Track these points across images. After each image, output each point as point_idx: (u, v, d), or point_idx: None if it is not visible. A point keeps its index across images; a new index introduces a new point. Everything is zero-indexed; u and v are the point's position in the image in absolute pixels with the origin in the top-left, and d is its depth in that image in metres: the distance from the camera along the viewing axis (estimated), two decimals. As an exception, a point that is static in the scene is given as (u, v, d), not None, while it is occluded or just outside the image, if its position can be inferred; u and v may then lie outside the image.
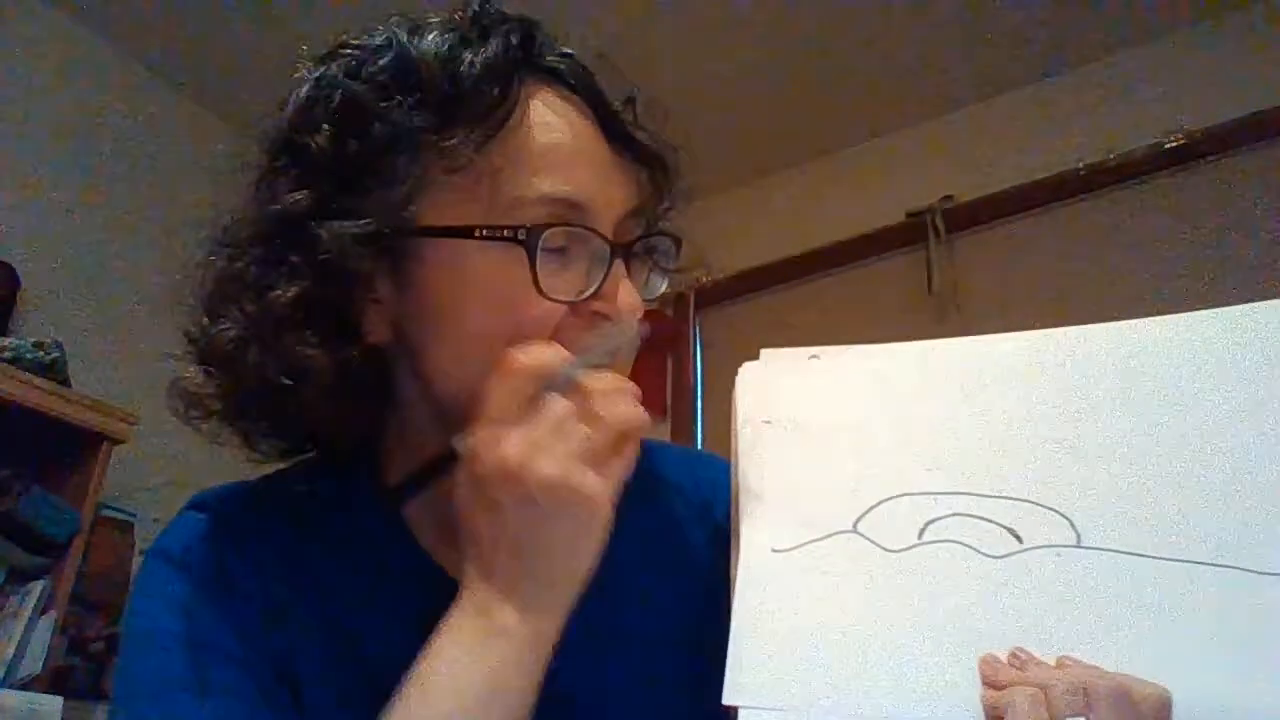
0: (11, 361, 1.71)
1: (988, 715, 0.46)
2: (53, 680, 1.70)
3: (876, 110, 2.40)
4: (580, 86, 0.57)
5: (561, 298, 0.53)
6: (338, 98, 0.54)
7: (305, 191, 0.53)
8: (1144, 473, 0.51)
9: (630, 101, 0.60)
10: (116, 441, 1.85)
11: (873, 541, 0.54)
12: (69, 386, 1.81)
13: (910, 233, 2.32)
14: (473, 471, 0.49)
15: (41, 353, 1.77)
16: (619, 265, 0.55)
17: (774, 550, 0.56)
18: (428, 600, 0.57)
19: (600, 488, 0.48)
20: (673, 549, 0.64)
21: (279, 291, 0.53)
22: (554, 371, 0.50)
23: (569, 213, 0.54)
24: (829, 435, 0.58)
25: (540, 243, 0.52)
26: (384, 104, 0.53)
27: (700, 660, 0.54)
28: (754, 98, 2.37)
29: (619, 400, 0.50)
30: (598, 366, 0.53)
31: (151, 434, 1.93)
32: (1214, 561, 0.48)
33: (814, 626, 0.53)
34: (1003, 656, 0.47)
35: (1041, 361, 0.57)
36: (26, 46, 2.12)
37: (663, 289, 0.62)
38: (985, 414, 0.56)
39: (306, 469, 0.64)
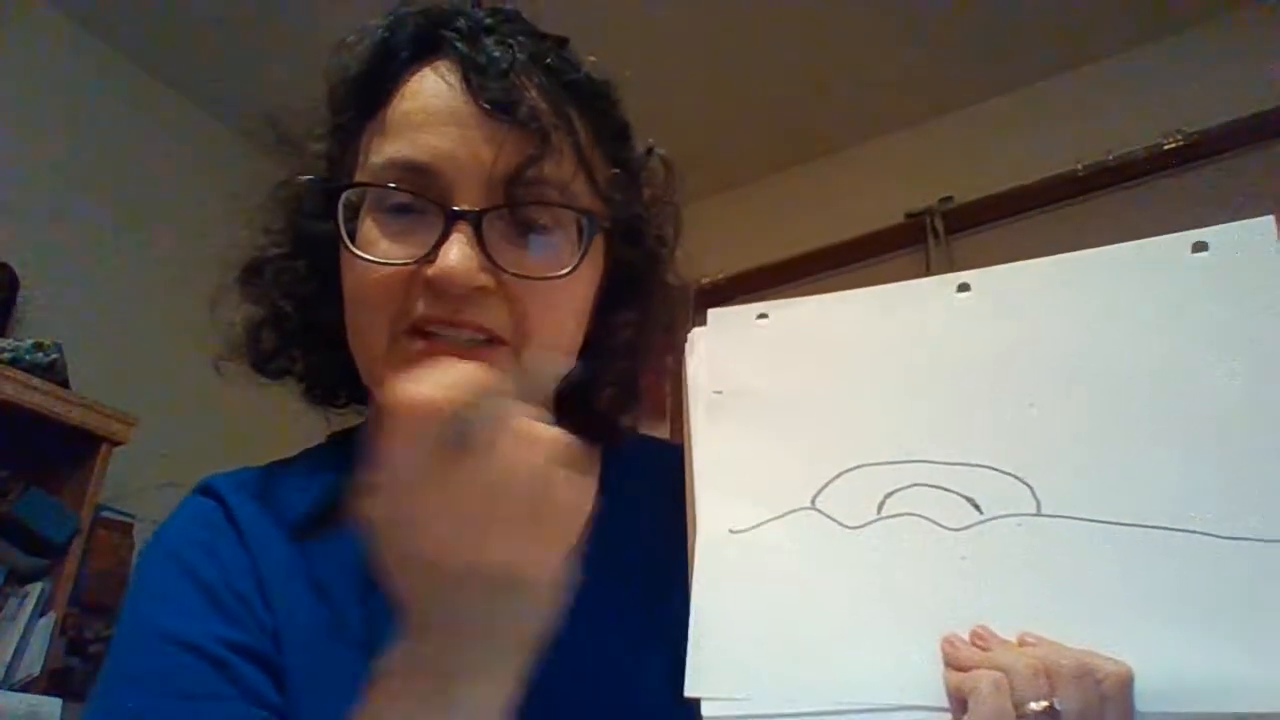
0: (11, 363, 1.72)
1: (951, 698, 0.45)
2: (52, 682, 1.71)
3: (875, 111, 2.40)
4: (460, 52, 0.55)
5: (370, 255, 0.53)
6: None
7: (307, 176, 0.61)
8: (1105, 432, 0.49)
9: (526, 61, 0.55)
10: (115, 443, 1.85)
11: (831, 518, 0.52)
12: (68, 387, 1.82)
13: (909, 233, 2.32)
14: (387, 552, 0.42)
15: (41, 354, 1.77)
16: (459, 229, 0.52)
17: (731, 531, 0.54)
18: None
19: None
20: (655, 548, 0.61)
21: (268, 249, 0.62)
22: (454, 412, 0.40)
23: (406, 175, 0.53)
24: (782, 404, 0.56)
25: (366, 204, 0.54)
26: (330, 101, 0.60)
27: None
28: (753, 99, 2.38)
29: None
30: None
31: (150, 435, 1.93)
32: (1176, 526, 0.46)
33: (775, 611, 0.51)
34: (966, 635, 0.47)
35: (1000, 305, 0.53)
36: (27, 48, 2.13)
37: (569, 266, 0.54)
38: (942, 370, 0.53)
39: (313, 454, 0.66)
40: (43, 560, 1.73)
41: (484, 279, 0.52)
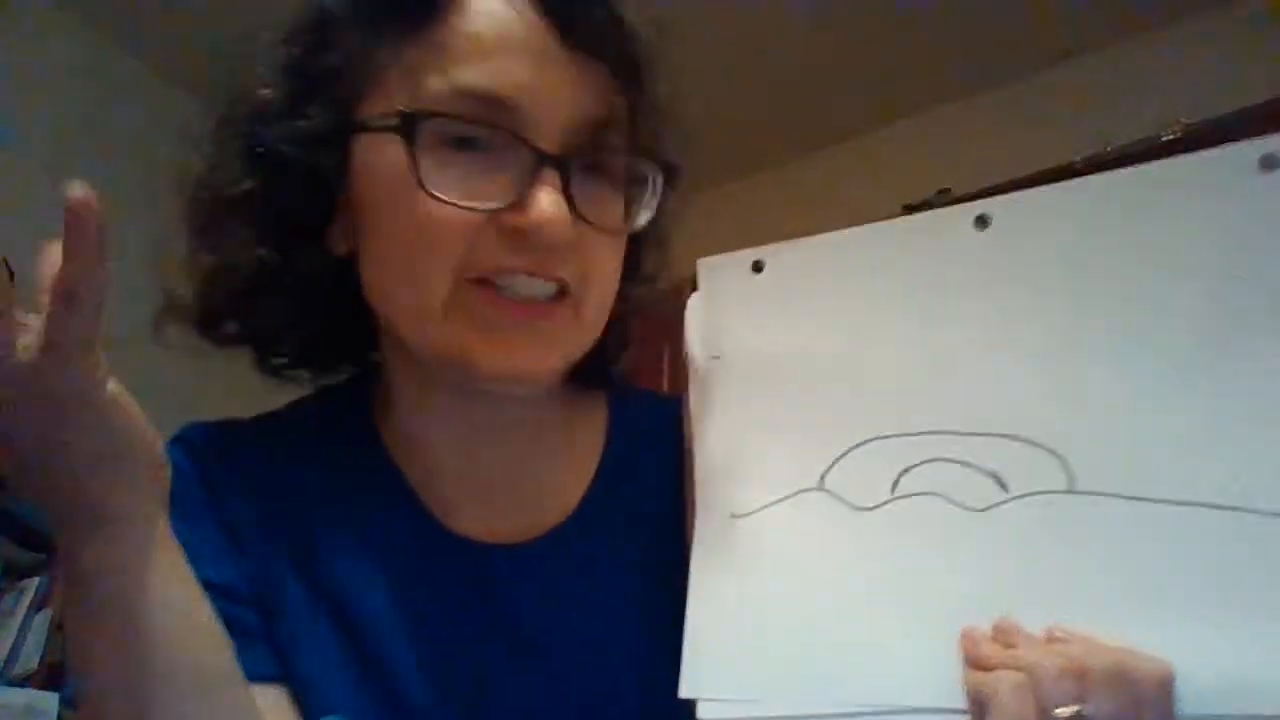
0: (6, 358, 1.71)
1: (970, 700, 0.41)
2: (49, 676, 1.70)
3: (872, 103, 2.39)
4: None
5: (448, 196, 0.47)
6: (313, 9, 0.53)
7: (269, 90, 0.53)
8: (1147, 396, 0.43)
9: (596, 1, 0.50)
10: (113, 438, 1.84)
11: (842, 499, 0.48)
12: (64, 383, 1.81)
13: (907, 226, 2.32)
14: None
15: (37, 349, 1.77)
16: (547, 175, 0.47)
17: (734, 516, 0.50)
18: (408, 534, 0.56)
19: None
20: (667, 508, 0.59)
21: (229, 185, 0.53)
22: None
23: (486, 109, 0.47)
24: (784, 368, 0.51)
25: (425, 135, 0.47)
26: (339, 13, 0.52)
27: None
28: (749, 92, 2.37)
29: None
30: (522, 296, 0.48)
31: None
32: (1227, 504, 0.40)
33: (779, 605, 0.47)
34: (989, 629, 0.43)
35: (1025, 243, 0.46)
36: (27, 46, 2.12)
37: (643, 221, 0.53)
38: (959, 326, 0.47)
39: (301, 405, 0.63)
40: (39, 555, 1.72)
41: (573, 231, 0.48)
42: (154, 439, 0.44)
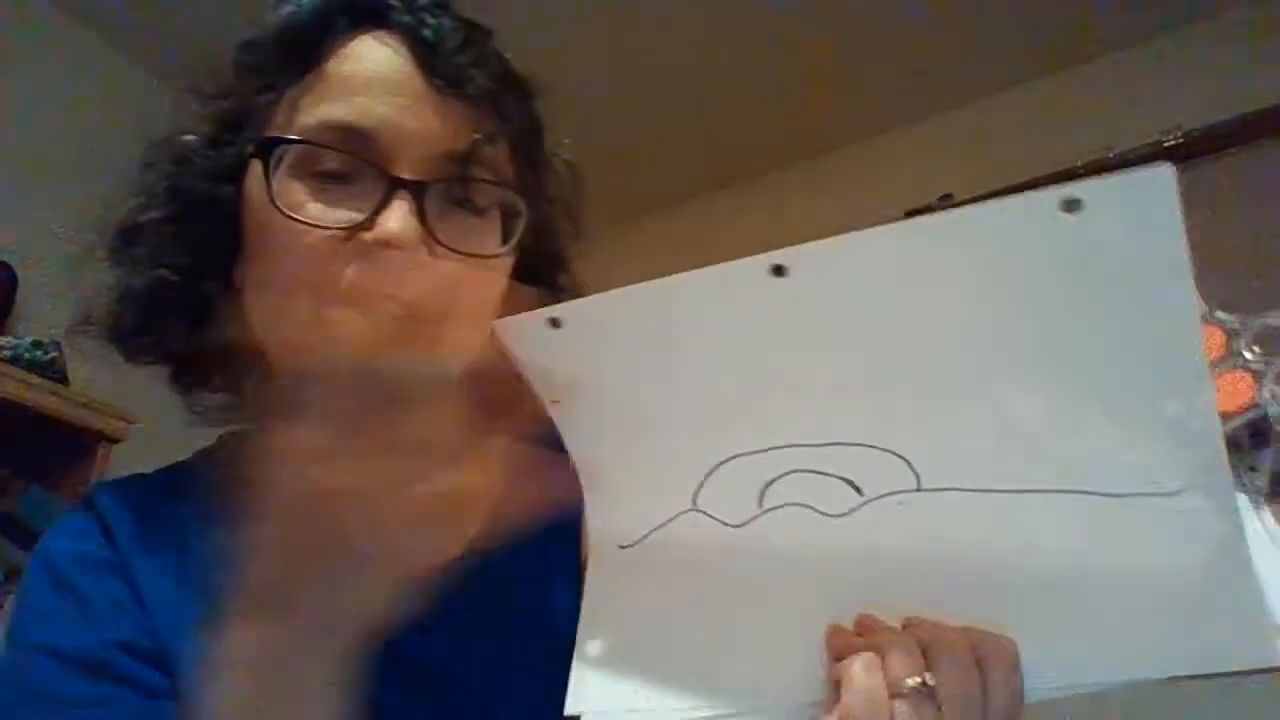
0: (10, 360, 1.72)
1: (830, 685, 0.43)
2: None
3: (874, 108, 2.39)
4: (404, 25, 0.54)
5: (299, 215, 0.50)
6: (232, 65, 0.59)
7: (190, 136, 0.59)
8: (978, 394, 0.44)
9: (468, 43, 0.55)
10: (114, 441, 1.85)
11: (714, 518, 0.50)
12: (67, 385, 1.81)
13: (909, 232, 2.32)
14: None
15: (40, 352, 1.77)
16: (400, 196, 0.50)
17: (621, 547, 0.52)
18: None
19: None
20: (567, 545, 0.60)
21: (141, 212, 0.59)
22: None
23: (345, 139, 0.51)
24: (623, 407, 0.52)
25: (291, 164, 0.51)
26: (248, 64, 0.58)
27: None
28: (750, 96, 2.37)
29: None
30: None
31: (149, 434, 1.93)
32: (1060, 488, 0.43)
33: (663, 626, 0.49)
34: (852, 623, 0.45)
35: (825, 286, 0.46)
36: (28, 47, 2.13)
37: (502, 250, 0.55)
38: (779, 358, 0.48)
39: (207, 451, 0.64)
40: (42, 558, 1.72)
41: (422, 250, 0.50)
42: None
